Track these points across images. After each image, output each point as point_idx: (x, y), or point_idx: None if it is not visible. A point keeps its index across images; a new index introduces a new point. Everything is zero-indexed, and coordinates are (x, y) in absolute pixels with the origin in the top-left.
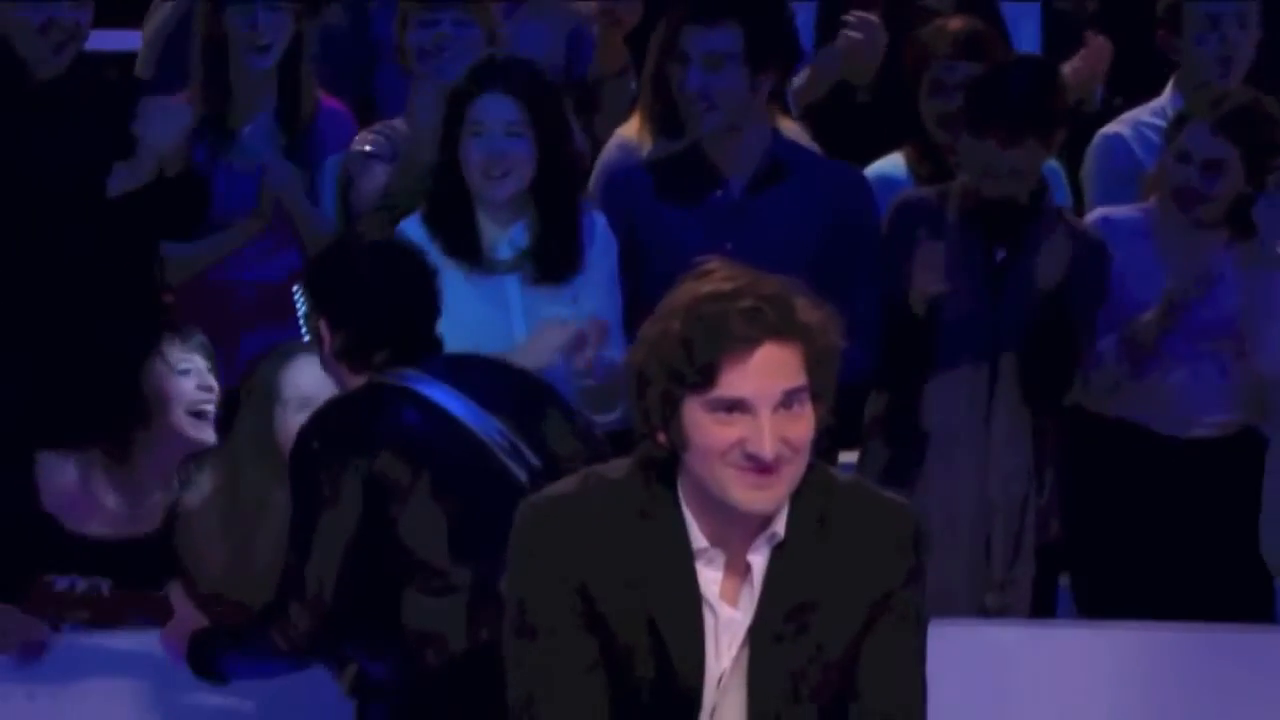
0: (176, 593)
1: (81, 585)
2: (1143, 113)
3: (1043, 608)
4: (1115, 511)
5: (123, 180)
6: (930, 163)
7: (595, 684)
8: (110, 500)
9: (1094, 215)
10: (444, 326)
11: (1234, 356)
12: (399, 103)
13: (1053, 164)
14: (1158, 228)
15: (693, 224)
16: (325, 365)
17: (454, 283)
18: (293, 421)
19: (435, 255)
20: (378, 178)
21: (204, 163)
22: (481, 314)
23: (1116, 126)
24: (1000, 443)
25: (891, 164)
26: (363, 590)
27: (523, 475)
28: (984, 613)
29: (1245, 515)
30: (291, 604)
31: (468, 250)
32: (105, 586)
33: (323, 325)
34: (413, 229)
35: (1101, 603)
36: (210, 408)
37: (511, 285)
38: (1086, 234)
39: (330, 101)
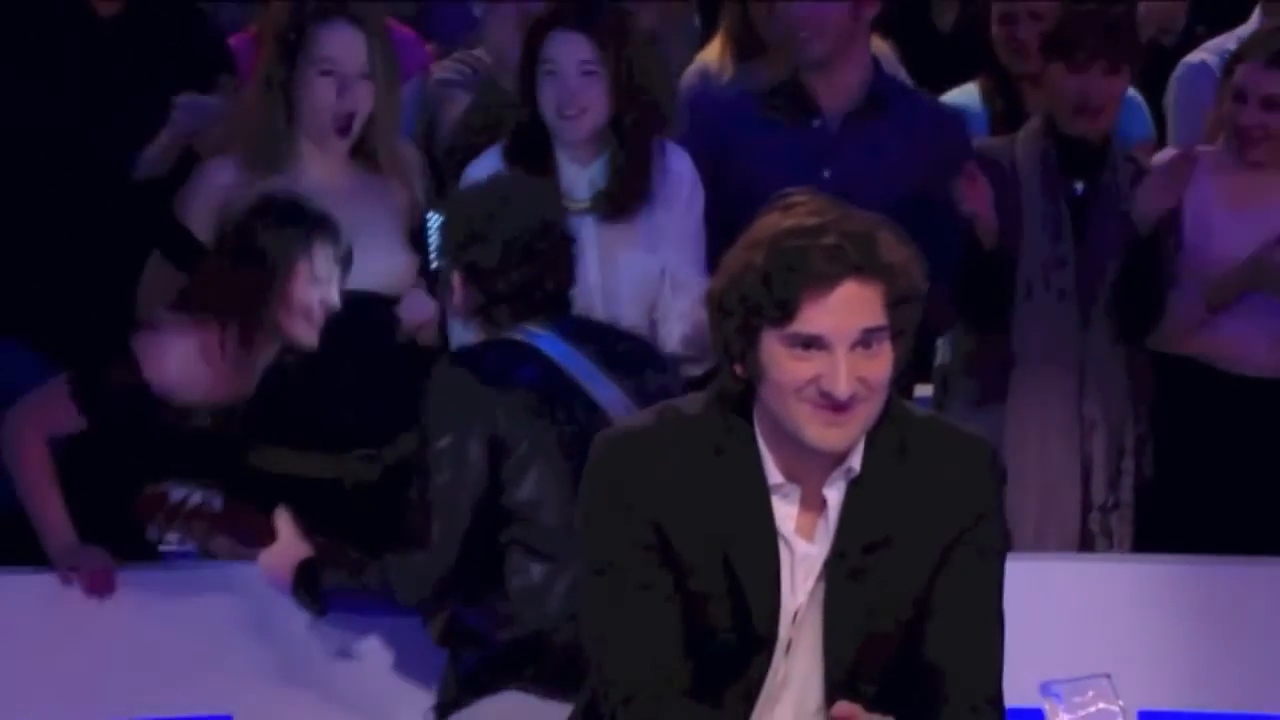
0: (284, 518)
1: (196, 498)
2: (1228, 40)
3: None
4: (1183, 450)
5: (148, 166)
6: (1004, 96)
7: (670, 618)
8: (217, 373)
9: (1161, 156)
10: None
11: None
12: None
13: (1134, 95)
14: (1222, 170)
15: (790, 153)
16: (450, 312)
17: None
18: None
19: None
20: (460, 105)
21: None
22: None
23: (1200, 55)
24: (1097, 365)
25: (966, 94)
26: (474, 545)
27: None
28: (1085, 537)
29: None
30: (416, 552)
31: None
32: (217, 502)
33: (456, 277)
34: (490, 163)
35: (1166, 539)
36: (320, 314)
37: (587, 226)
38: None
39: (400, 29)
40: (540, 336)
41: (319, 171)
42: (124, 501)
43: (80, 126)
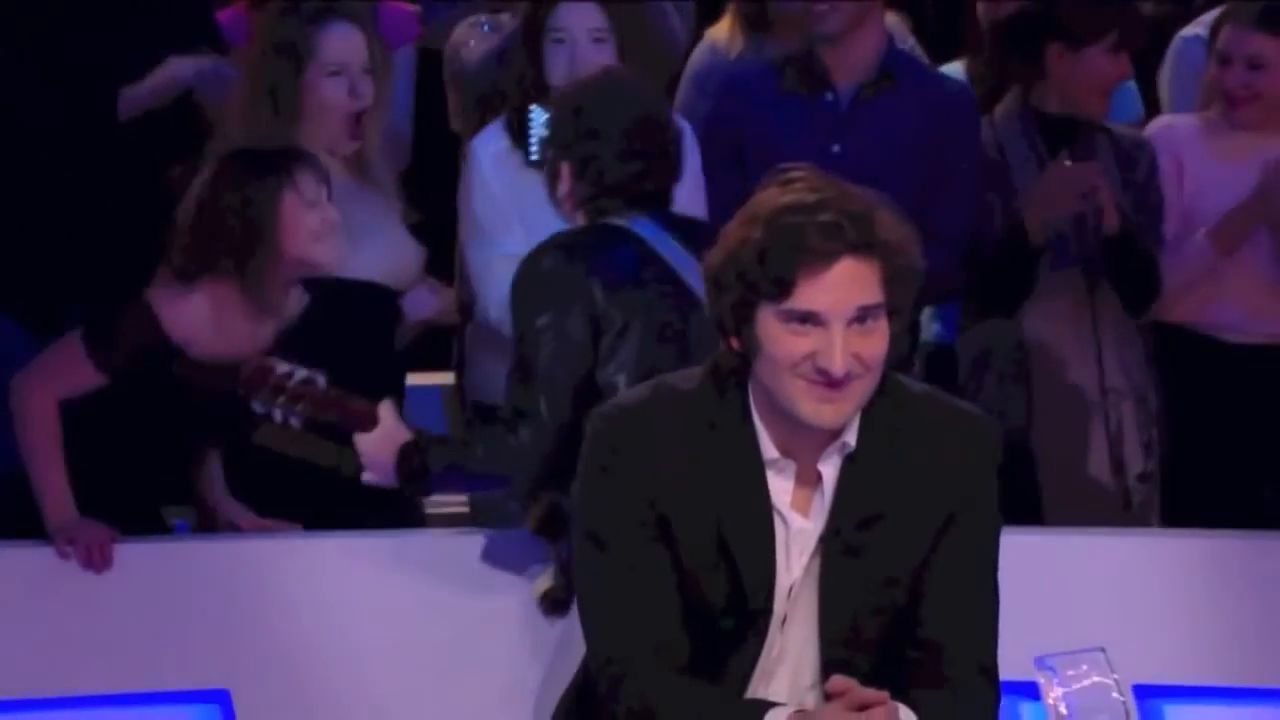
0: (387, 407)
1: (300, 374)
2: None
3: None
4: (1185, 421)
5: (134, 103)
6: (992, 73)
7: (666, 593)
8: (238, 325)
9: (1156, 123)
10: (525, 232)
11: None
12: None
13: None
14: (1214, 133)
15: (802, 126)
16: (555, 201)
17: (535, 190)
18: None
19: (517, 162)
20: (482, 52)
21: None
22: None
23: (1195, 28)
24: (1112, 336)
25: (953, 72)
26: (576, 422)
27: None
28: (1126, 504)
29: None
30: (521, 425)
31: None
32: (321, 379)
33: (565, 168)
34: (494, 139)
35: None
36: (330, 232)
37: None
38: (1129, 139)
39: (390, 2)
40: (639, 222)
41: None
42: (134, 469)
43: (65, 97)
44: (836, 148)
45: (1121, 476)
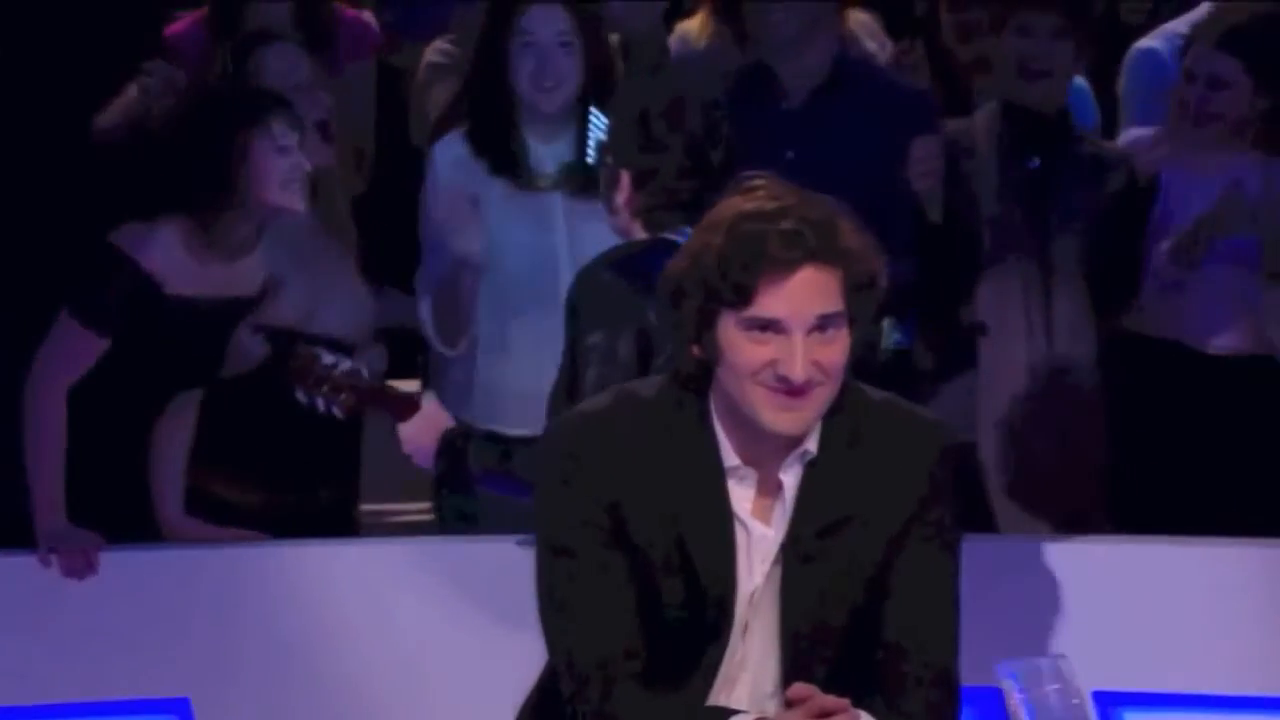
0: (428, 395)
1: (345, 365)
2: (1180, 25)
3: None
4: (1152, 429)
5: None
6: (946, 83)
7: (626, 600)
8: (211, 265)
9: (1126, 136)
10: (485, 240)
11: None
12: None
13: (1080, 83)
14: (1183, 148)
15: (756, 132)
16: (611, 210)
17: (497, 200)
18: None
19: (478, 173)
20: (447, 89)
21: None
22: (526, 231)
23: (1150, 40)
24: (1065, 337)
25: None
26: None
27: None
28: (1071, 511)
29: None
30: None
31: (512, 167)
32: (364, 370)
33: (624, 177)
34: (454, 146)
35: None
36: (299, 179)
37: (555, 202)
38: (1113, 153)
39: (350, 11)
40: None
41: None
42: (124, 470)
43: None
44: (790, 154)
45: (1072, 478)
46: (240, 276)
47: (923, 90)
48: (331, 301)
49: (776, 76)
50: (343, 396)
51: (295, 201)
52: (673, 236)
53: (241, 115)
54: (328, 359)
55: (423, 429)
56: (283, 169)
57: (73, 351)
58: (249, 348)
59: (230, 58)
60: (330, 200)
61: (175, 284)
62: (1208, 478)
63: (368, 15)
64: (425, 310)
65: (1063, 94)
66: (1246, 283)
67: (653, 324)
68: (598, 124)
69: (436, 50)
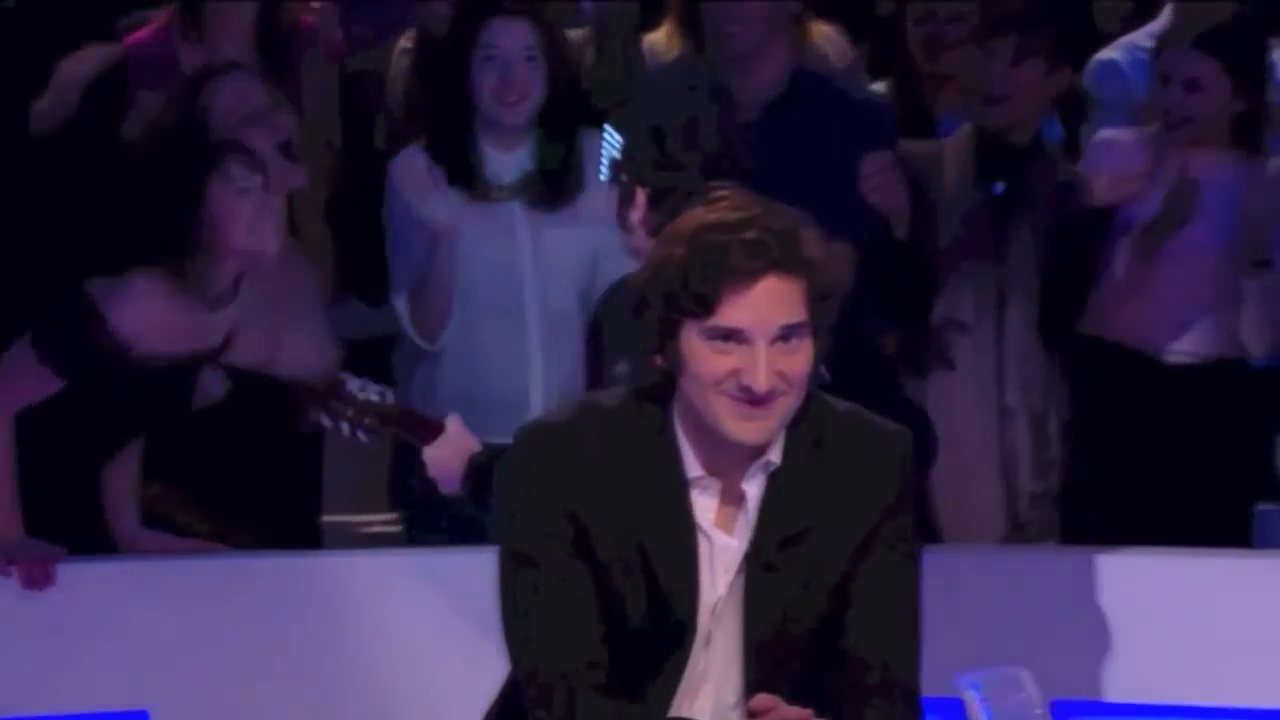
0: (454, 419)
1: (372, 390)
2: (1140, 36)
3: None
4: (1110, 438)
5: (44, 119)
6: (910, 96)
7: (588, 610)
8: (179, 319)
9: (1099, 137)
10: (451, 256)
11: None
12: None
13: None
14: (1155, 150)
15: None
16: (623, 224)
17: (457, 211)
18: None
19: (437, 183)
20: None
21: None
22: (487, 241)
23: (1110, 52)
24: (1016, 358)
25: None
26: None
27: None
28: (1015, 526)
29: (1228, 441)
30: None
31: (470, 177)
32: (389, 395)
33: (641, 195)
34: (414, 156)
35: (1092, 530)
36: (268, 219)
37: (516, 211)
38: (1069, 172)
39: (312, 16)
40: None
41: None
42: (82, 483)
43: None
44: (745, 167)
45: (1012, 494)
46: (211, 328)
47: (880, 104)
48: (295, 344)
49: (729, 91)
50: (368, 421)
51: (267, 243)
52: None
53: (198, 162)
54: (354, 383)
55: (449, 453)
56: (247, 212)
57: (25, 382)
58: (208, 385)
59: (182, 96)
60: (303, 221)
61: (145, 342)
62: (1157, 488)
63: (327, 21)
64: (402, 305)
65: (1027, 119)
66: (1205, 284)
67: None
68: (611, 142)
69: (409, 39)
